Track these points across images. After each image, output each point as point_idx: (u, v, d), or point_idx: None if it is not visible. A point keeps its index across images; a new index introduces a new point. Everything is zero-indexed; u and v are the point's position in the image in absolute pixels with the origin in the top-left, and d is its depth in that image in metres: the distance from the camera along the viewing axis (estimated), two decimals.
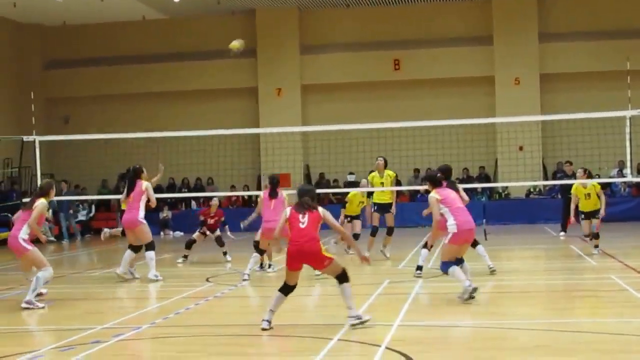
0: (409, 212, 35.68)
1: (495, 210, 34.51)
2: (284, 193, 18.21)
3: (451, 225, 14.00)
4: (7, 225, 31.97)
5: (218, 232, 22.45)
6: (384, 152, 34.71)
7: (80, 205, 36.62)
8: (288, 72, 38.77)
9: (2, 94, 38.16)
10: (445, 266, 14.09)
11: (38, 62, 40.60)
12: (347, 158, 36.52)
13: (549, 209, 33.27)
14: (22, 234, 14.55)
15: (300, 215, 11.83)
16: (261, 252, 18.20)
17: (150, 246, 17.94)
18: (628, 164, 21.15)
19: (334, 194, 35.99)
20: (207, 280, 17.86)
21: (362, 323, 11.51)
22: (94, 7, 35.90)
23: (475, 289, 13.49)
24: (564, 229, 27.15)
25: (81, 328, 11.99)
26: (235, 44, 21.65)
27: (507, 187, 35.52)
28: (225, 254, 21.96)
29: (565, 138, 31.95)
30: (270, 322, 11.64)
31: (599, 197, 20.46)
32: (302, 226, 11.79)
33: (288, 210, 12.07)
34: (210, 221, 22.53)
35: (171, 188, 38.27)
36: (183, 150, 34.62)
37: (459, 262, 14.17)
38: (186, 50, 39.66)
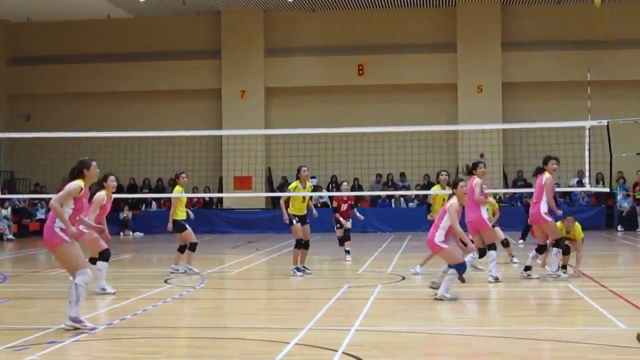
0: (369, 218, 35.79)
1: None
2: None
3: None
4: None
5: None
6: (347, 156, 34.97)
7: (39, 204, 36.44)
8: (252, 74, 38.75)
9: None
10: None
11: (1, 58, 40.29)
12: (309, 162, 36.48)
13: (509, 216, 33.37)
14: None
15: None
16: None
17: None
18: (587, 173, 21.30)
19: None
20: (166, 281, 17.82)
21: None
22: (58, 4, 35.74)
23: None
24: (523, 237, 27.30)
25: (37, 328, 11.92)
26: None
27: None
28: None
29: (525, 146, 32.16)
30: None
31: None
32: None
33: None
34: None
35: (132, 188, 38.15)
36: (145, 150, 34.48)
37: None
38: (151, 50, 39.53)
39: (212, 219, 36.77)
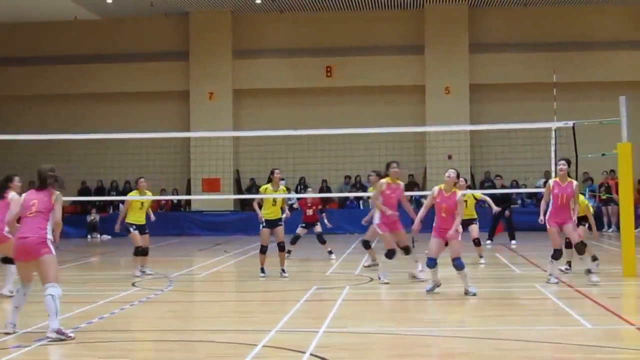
0: (338, 219, 35.81)
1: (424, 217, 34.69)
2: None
3: None
4: None
5: None
6: (315, 158, 34.99)
7: None
8: (220, 76, 38.67)
9: None
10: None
11: None
12: (277, 164, 36.44)
13: (478, 217, 33.58)
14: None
15: None
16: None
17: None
18: (553, 174, 21.44)
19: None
20: (133, 284, 17.76)
21: None
22: (25, 6, 35.49)
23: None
24: (490, 237, 27.44)
25: (3, 332, 11.85)
26: None
27: None
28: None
29: (493, 148, 32.33)
30: None
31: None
32: None
33: None
34: None
35: (99, 191, 38.02)
36: (112, 152, 34.39)
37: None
38: (119, 51, 39.36)
39: (180, 221, 36.68)
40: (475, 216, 22.01)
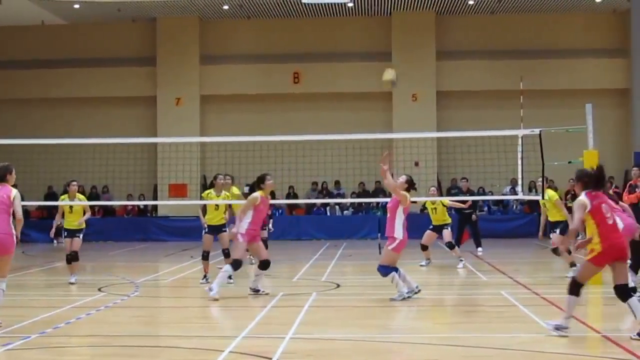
0: (305, 225, 35.96)
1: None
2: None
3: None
4: None
5: None
6: (282, 164, 34.97)
7: None
8: (188, 81, 38.59)
9: None
10: (384, 270, 15.30)
11: None
12: (244, 170, 36.46)
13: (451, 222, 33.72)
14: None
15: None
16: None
17: None
18: (520, 181, 21.61)
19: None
20: (100, 289, 17.69)
21: None
22: None
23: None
24: (457, 244, 27.53)
25: None
26: (388, 77, 21.46)
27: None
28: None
29: (460, 155, 32.47)
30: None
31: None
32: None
33: None
34: None
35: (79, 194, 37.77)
36: (79, 157, 34.16)
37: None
38: (85, 56, 39.17)
39: (146, 226, 36.58)
40: (449, 221, 22.57)
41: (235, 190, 21.35)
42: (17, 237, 12.70)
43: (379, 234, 28.07)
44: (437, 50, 38.10)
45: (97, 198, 36.97)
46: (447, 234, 22.27)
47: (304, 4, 34.30)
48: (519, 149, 20.43)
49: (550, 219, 19.70)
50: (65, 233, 19.19)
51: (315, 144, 32.30)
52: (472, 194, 28.51)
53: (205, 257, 18.69)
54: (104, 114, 38.90)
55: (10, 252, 12.66)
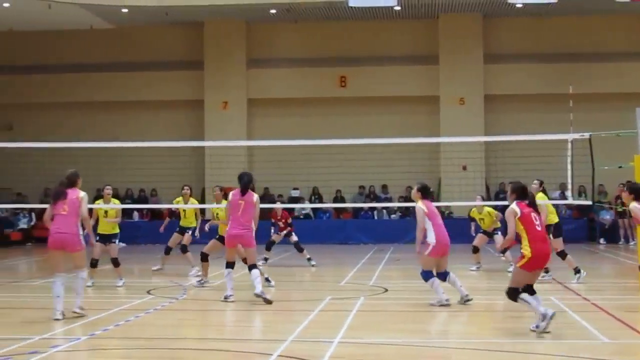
0: (351, 229, 35.89)
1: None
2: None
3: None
4: None
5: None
6: (328, 167, 34.99)
7: (21, 213, 36.30)
8: (234, 85, 38.66)
9: None
10: (425, 275, 15.39)
11: None
12: (291, 173, 36.55)
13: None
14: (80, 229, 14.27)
15: None
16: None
17: None
18: (569, 186, 21.45)
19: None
20: (148, 292, 17.76)
21: None
22: (41, 14, 35.57)
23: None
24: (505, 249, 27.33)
25: (19, 338, 11.87)
26: None
27: (450, 207, 35.57)
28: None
29: (508, 159, 32.22)
30: None
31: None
32: None
33: None
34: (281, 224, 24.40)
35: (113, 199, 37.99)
36: (128, 160, 34.38)
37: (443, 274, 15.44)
38: (133, 60, 39.41)
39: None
40: (498, 226, 22.55)
41: (193, 201, 22.22)
42: (89, 234, 14.65)
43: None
44: (485, 54, 37.87)
45: (146, 201, 37.18)
46: (498, 239, 22.09)
47: (351, 7, 34.24)
48: (569, 153, 20.27)
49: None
50: (97, 237, 18.97)
51: (361, 148, 32.27)
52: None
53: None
54: (152, 118, 39.09)
55: (77, 250, 14.10)
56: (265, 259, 24.40)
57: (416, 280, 17.54)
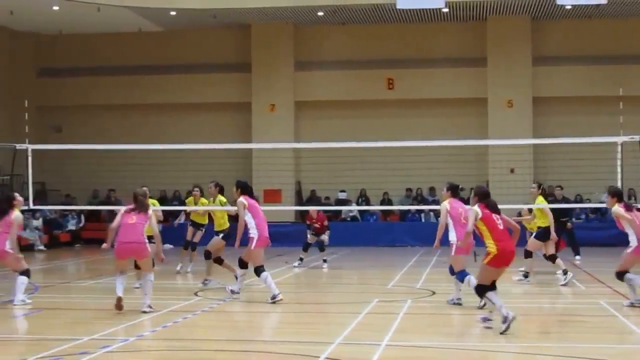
0: (399, 232, 35.79)
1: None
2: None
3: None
4: None
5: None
6: (376, 170, 34.96)
7: (70, 215, 36.63)
8: (282, 87, 38.69)
9: None
10: (459, 275, 15.62)
11: (32, 70, 40.51)
12: (338, 175, 36.56)
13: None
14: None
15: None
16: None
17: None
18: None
19: (325, 211, 36.04)
20: (196, 294, 17.84)
21: None
22: (90, 17, 35.87)
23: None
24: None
25: (68, 338, 11.97)
26: None
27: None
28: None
29: (556, 162, 32.01)
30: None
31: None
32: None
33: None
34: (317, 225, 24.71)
35: (162, 200, 38.23)
36: (175, 162, 34.60)
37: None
38: (181, 62, 39.60)
39: None
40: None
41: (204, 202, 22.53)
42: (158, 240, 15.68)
43: (474, 241, 27.81)
44: (533, 56, 37.59)
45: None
46: (549, 245, 21.71)
47: (399, 9, 34.12)
48: (618, 156, 20.09)
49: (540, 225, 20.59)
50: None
51: (409, 150, 32.16)
52: (567, 202, 28.08)
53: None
54: (199, 120, 39.21)
55: (145, 257, 15.14)
56: (301, 259, 24.78)
57: (464, 283, 17.43)
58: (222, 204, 20.48)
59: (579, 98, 37.20)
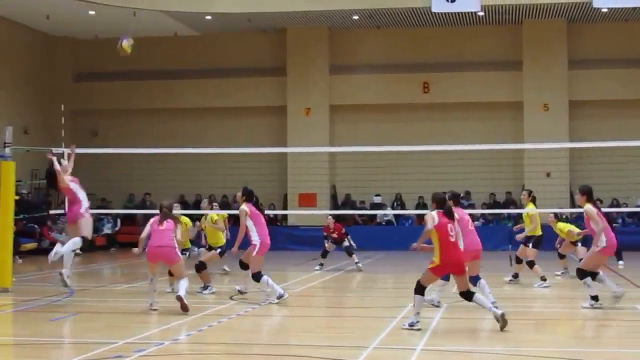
0: None
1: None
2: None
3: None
4: (34, 236, 32.10)
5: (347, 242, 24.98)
6: (412, 174, 34.84)
7: (105, 219, 36.80)
8: (317, 91, 38.68)
9: (31, 105, 38.29)
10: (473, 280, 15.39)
11: (68, 74, 40.76)
12: (373, 179, 36.50)
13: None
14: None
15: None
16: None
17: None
18: None
19: (360, 215, 36.08)
20: (231, 298, 17.85)
21: None
22: (126, 21, 36.02)
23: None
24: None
25: (104, 342, 12.02)
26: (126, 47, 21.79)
27: None
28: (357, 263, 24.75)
29: (593, 165, 31.79)
30: None
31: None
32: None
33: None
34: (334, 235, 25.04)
35: (198, 204, 38.31)
36: (211, 166, 34.71)
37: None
38: (217, 67, 39.70)
39: (276, 235, 36.66)
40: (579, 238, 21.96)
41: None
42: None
43: (510, 246, 27.69)
44: (569, 59, 37.36)
45: (228, 207, 37.37)
46: (581, 251, 21.61)
47: (434, 13, 34.03)
48: None
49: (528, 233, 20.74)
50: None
51: (444, 154, 32.07)
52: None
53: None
54: (235, 124, 39.27)
55: (176, 261, 15.78)
56: (321, 265, 25.22)
57: (499, 287, 17.40)
58: (213, 222, 20.32)
59: (615, 101, 36.94)
